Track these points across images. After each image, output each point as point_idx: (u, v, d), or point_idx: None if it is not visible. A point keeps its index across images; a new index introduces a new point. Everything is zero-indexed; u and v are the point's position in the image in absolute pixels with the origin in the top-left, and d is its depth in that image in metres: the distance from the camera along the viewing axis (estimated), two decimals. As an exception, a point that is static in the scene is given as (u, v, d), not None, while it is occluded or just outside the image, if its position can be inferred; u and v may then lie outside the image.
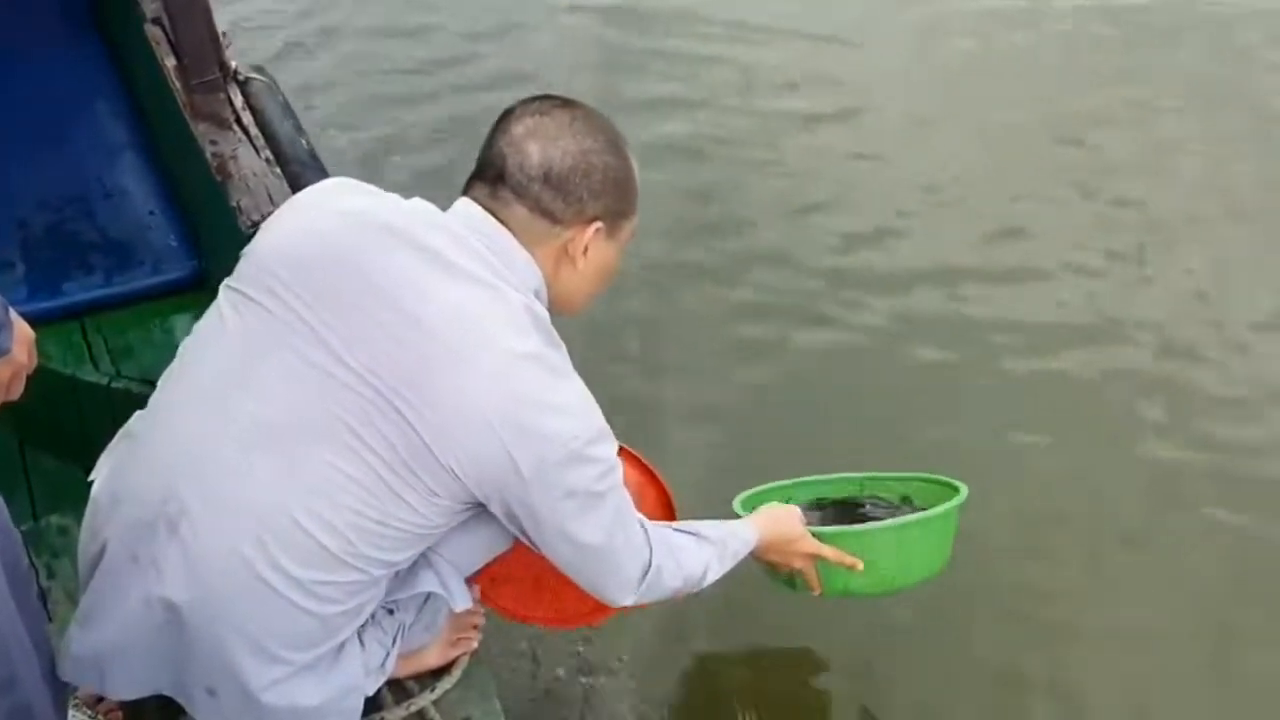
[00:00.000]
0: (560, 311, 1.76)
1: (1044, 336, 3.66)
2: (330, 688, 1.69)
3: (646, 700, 2.62)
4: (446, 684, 2.01)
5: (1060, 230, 4.10)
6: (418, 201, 1.71)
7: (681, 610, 2.74)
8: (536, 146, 1.68)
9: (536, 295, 1.69)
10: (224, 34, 2.97)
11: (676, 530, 1.96)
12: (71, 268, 2.86)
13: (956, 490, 2.37)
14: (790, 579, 2.32)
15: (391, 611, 1.80)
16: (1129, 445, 3.30)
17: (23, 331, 1.47)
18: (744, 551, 2.10)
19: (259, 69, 3.04)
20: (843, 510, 2.55)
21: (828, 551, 2.22)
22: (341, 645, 1.69)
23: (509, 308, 1.61)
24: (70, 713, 1.83)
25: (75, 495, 2.59)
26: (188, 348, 1.68)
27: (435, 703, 1.99)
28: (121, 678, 1.70)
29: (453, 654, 2.04)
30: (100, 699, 1.94)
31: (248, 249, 1.69)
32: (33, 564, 1.74)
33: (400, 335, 1.56)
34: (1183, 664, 2.77)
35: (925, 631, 2.77)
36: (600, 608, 2.09)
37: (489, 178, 1.70)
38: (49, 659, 1.68)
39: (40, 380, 2.62)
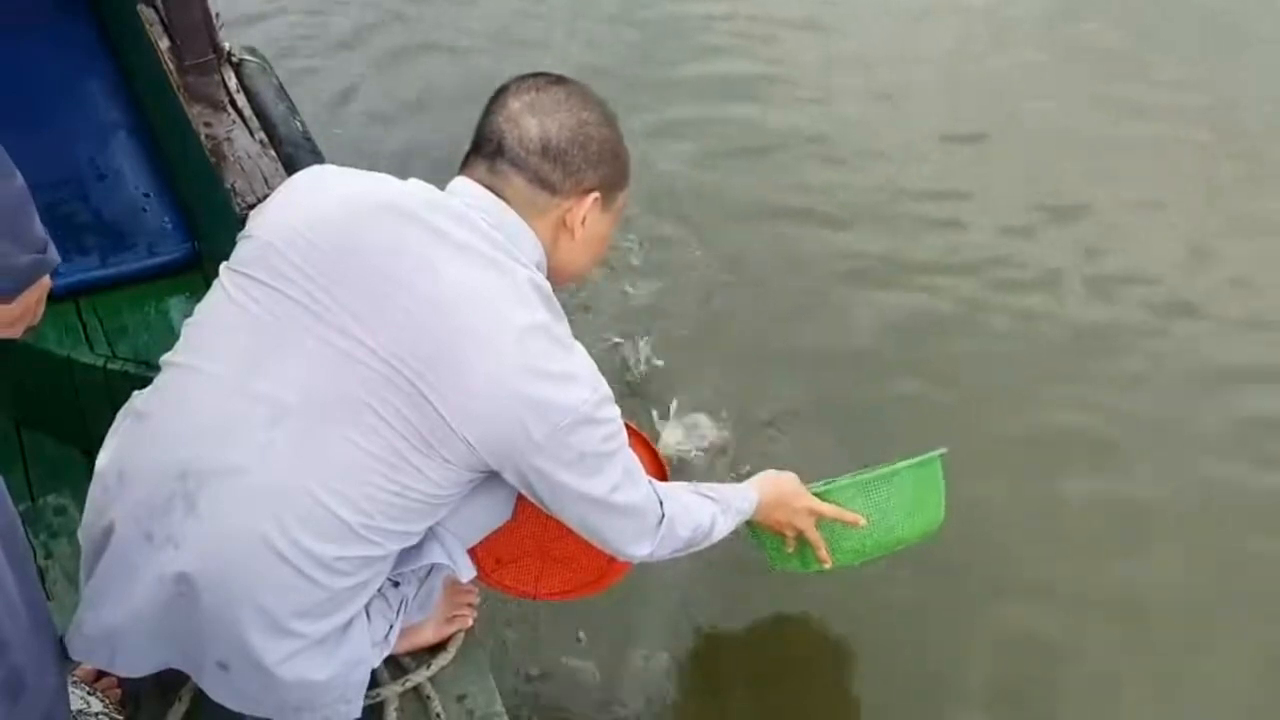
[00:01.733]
0: (558, 281, 1.80)
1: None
2: (339, 661, 1.72)
3: (645, 679, 2.64)
4: (442, 660, 2.03)
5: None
6: (416, 182, 1.74)
7: (683, 587, 2.77)
8: (534, 120, 1.72)
9: (538, 267, 1.74)
10: (217, 15, 2.96)
11: (680, 489, 2.00)
12: (67, 249, 2.82)
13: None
14: (799, 556, 2.35)
15: (396, 584, 1.83)
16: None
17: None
18: (747, 508, 2.15)
19: (252, 50, 3.04)
20: None
21: (827, 509, 2.25)
22: (351, 619, 1.72)
23: (515, 282, 1.65)
24: (70, 690, 1.85)
25: (72, 475, 2.63)
26: (195, 328, 1.69)
27: (431, 679, 2.01)
28: (132, 655, 1.72)
29: (448, 631, 2.07)
30: (100, 676, 1.96)
31: (249, 231, 1.71)
32: (30, 543, 1.75)
33: (414, 315, 1.59)
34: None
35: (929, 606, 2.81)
36: (605, 577, 2.15)
37: (487, 152, 1.74)
38: (51, 634, 1.69)
39: (36, 361, 2.66)
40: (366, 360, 1.59)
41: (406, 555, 1.78)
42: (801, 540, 2.30)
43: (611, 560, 2.12)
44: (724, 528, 2.06)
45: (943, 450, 2.39)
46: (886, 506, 2.30)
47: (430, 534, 1.81)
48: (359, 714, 1.83)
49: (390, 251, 1.62)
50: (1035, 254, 3.86)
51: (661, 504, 1.88)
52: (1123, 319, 3.65)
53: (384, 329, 1.59)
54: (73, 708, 1.82)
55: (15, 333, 1.46)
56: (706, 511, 2.00)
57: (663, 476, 2.23)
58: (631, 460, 1.80)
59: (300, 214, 1.68)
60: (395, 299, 1.60)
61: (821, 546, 2.29)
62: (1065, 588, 2.88)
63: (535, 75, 1.80)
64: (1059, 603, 2.85)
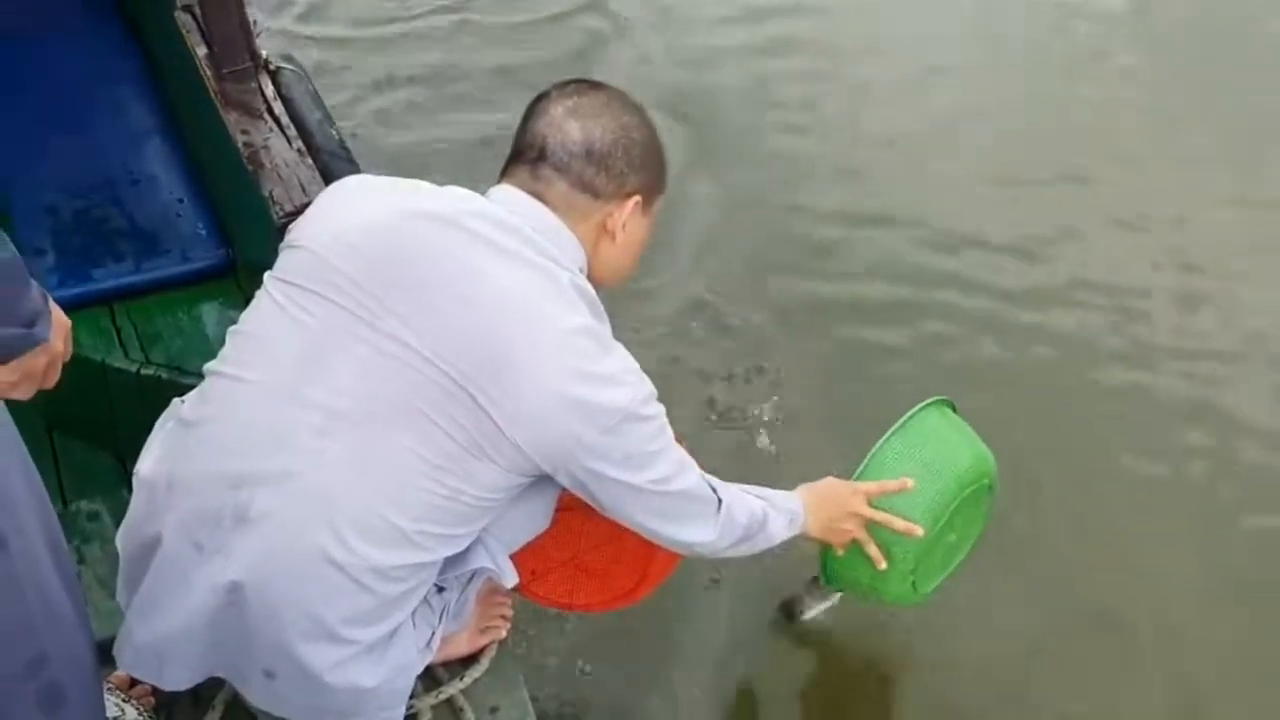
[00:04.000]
0: (598, 284, 1.80)
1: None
2: (386, 667, 1.73)
3: (673, 694, 2.64)
4: (475, 672, 2.03)
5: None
6: (456, 189, 1.76)
7: (710, 603, 2.76)
8: (577, 124, 1.75)
9: (581, 270, 1.75)
10: (254, 22, 2.97)
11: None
12: (101, 254, 2.87)
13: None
14: (871, 580, 2.24)
15: (441, 590, 1.84)
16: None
17: (59, 320, 1.47)
18: (794, 507, 2.07)
19: (289, 58, 3.05)
20: None
21: (871, 485, 2.16)
22: (399, 625, 1.72)
23: (558, 286, 1.66)
24: (105, 696, 1.85)
25: (104, 480, 2.64)
26: (242, 338, 1.70)
27: (464, 691, 2.01)
28: (179, 668, 1.72)
29: (482, 642, 2.08)
30: (135, 683, 1.96)
31: (293, 240, 1.72)
32: (66, 551, 1.76)
33: (462, 319, 1.61)
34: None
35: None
36: (642, 584, 2.14)
37: (529, 159, 1.76)
38: (90, 642, 1.69)
39: (70, 366, 2.64)
40: (418, 365, 1.60)
41: (452, 560, 1.78)
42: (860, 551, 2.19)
43: (644, 574, 2.12)
44: (778, 525, 2.01)
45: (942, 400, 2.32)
46: (922, 456, 2.20)
47: (475, 539, 1.81)
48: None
49: (436, 258, 1.64)
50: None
51: (715, 490, 1.88)
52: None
53: (434, 334, 1.60)
54: (108, 715, 1.83)
55: (22, 394, 1.44)
56: (757, 503, 1.98)
57: None
58: (681, 453, 1.81)
59: (346, 223, 1.69)
60: (443, 304, 1.61)
61: (871, 544, 2.17)
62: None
63: (576, 81, 1.83)
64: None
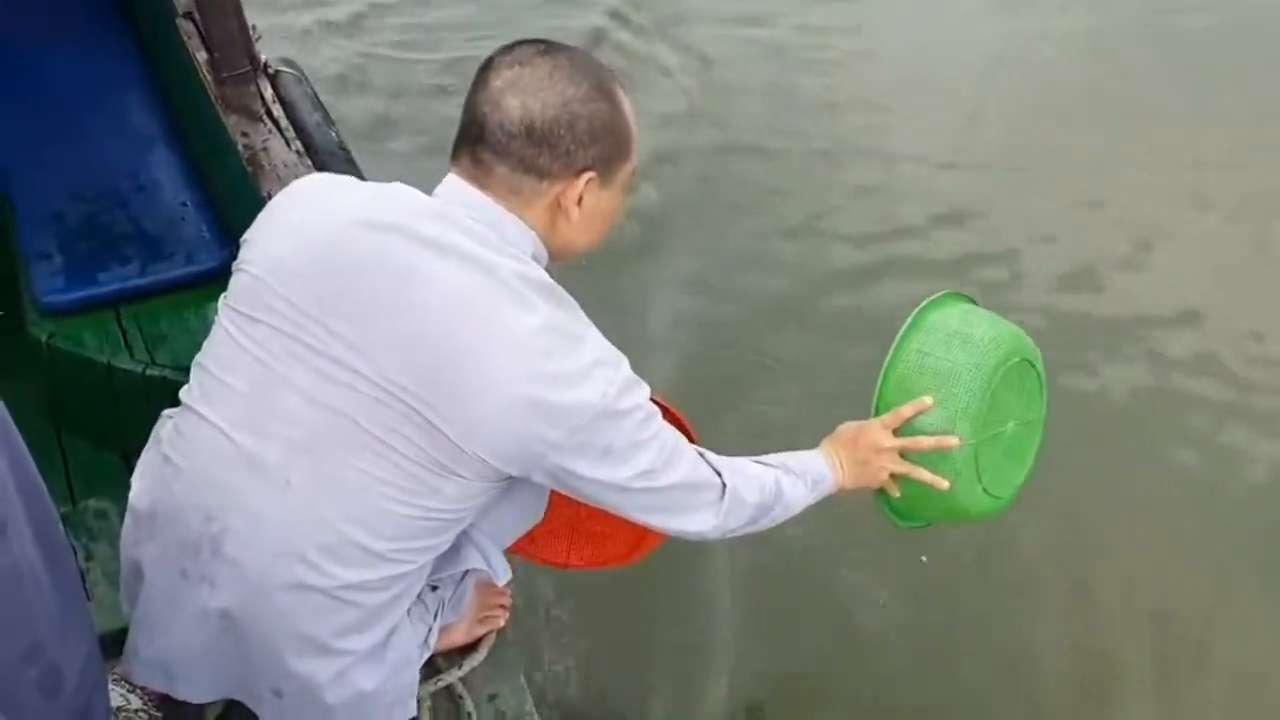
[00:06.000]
0: (563, 259, 1.74)
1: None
2: (388, 666, 1.74)
3: (668, 684, 2.66)
4: (474, 660, 2.06)
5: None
6: (399, 188, 1.69)
7: (710, 589, 2.77)
8: (516, 101, 1.61)
9: (534, 258, 1.66)
10: (253, 27, 3.01)
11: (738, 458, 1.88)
12: (106, 258, 2.90)
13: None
14: (942, 507, 2.04)
15: (434, 588, 1.85)
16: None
17: None
18: (816, 463, 1.96)
19: (288, 61, 3.08)
20: None
21: (887, 418, 1.98)
22: (394, 627, 1.73)
23: (507, 283, 1.57)
24: (110, 687, 1.88)
25: (111, 479, 2.67)
26: (202, 371, 1.69)
27: (463, 679, 2.04)
28: (190, 683, 1.77)
29: (480, 632, 2.10)
30: (139, 674, 1.99)
31: (239, 263, 1.68)
32: (71, 546, 1.79)
33: (407, 337, 1.55)
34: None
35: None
36: (638, 548, 2.11)
37: (471, 139, 1.65)
38: (90, 632, 1.72)
39: (77, 367, 2.71)
40: (364, 389, 1.56)
41: (443, 560, 1.79)
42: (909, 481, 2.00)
43: (641, 539, 2.09)
44: (797, 494, 1.90)
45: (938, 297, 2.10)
46: (934, 363, 2.00)
47: (465, 539, 1.81)
48: (414, 713, 1.85)
49: (375, 274, 1.57)
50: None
51: (719, 473, 1.78)
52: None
53: (379, 355, 1.56)
54: (112, 704, 1.86)
55: None
56: (770, 475, 1.86)
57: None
58: (672, 437, 1.71)
59: (283, 242, 1.63)
60: (386, 322, 1.56)
61: (918, 470, 1.97)
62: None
63: (520, 45, 1.67)
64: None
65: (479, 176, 1.64)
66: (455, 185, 1.66)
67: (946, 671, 2.78)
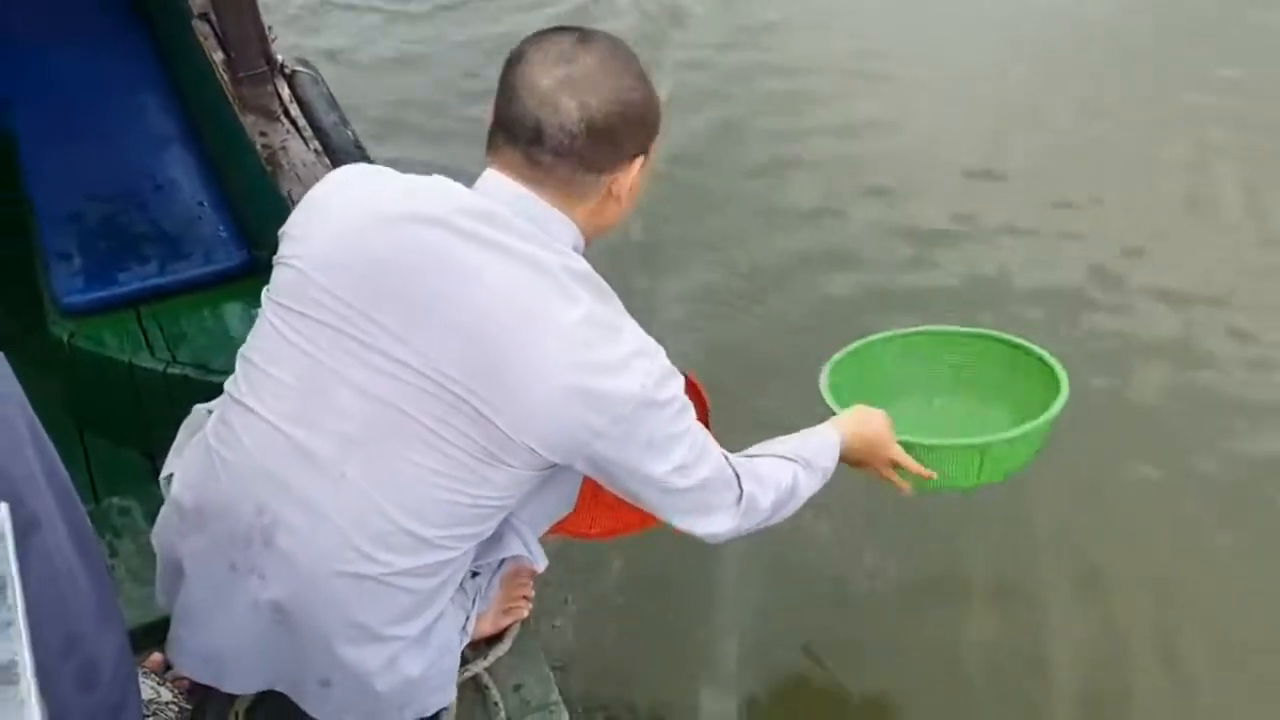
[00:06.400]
0: (600, 236, 1.75)
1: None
2: (432, 651, 1.77)
3: (695, 672, 2.69)
4: (499, 650, 2.07)
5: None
6: (440, 181, 1.68)
7: (733, 577, 2.81)
8: (574, 101, 1.59)
9: (575, 248, 1.67)
10: (269, 28, 3.04)
11: (753, 455, 1.93)
12: (126, 258, 2.93)
13: (1056, 382, 2.31)
14: (943, 484, 2.26)
15: (474, 575, 1.87)
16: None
17: None
18: (831, 452, 2.03)
19: (304, 61, 3.10)
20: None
21: (910, 464, 2.15)
22: (440, 615, 1.76)
23: (552, 275, 1.58)
24: (141, 680, 1.90)
25: (133, 477, 2.70)
26: (249, 365, 1.68)
27: (489, 669, 2.06)
28: (237, 676, 1.79)
29: (505, 622, 2.11)
30: (169, 666, 2.02)
31: (282, 257, 1.68)
32: (96, 542, 1.82)
33: (455, 329, 1.56)
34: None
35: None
36: (650, 517, 2.12)
37: (523, 141, 1.62)
38: (121, 626, 1.74)
39: (99, 366, 2.73)
40: (415, 381, 1.57)
41: (485, 547, 1.81)
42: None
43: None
44: (810, 486, 1.96)
45: (1059, 406, 2.25)
46: (974, 469, 2.22)
47: (506, 526, 1.82)
48: (454, 698, 1.88)
49: (421, 265, 1.58)
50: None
51: (738, 478, 1.81)
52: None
53: (427, 347, 1.57)
54: (144, 697, 1.88)
55: None
56: (787, 472, 1.91)
57: (705, 419, 2.21)
58: (702, 434, 1.74)
59: (325, 235, 1.63)
60: (434, 314, 1.57)
61: (904, 487, 2.19)
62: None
63: (554, 37, 1.64)
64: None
65: (534, 176, 1.63)
66: (501, 182, 1.65)
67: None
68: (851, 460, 2.12)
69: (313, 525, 1.62)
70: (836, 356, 2.47)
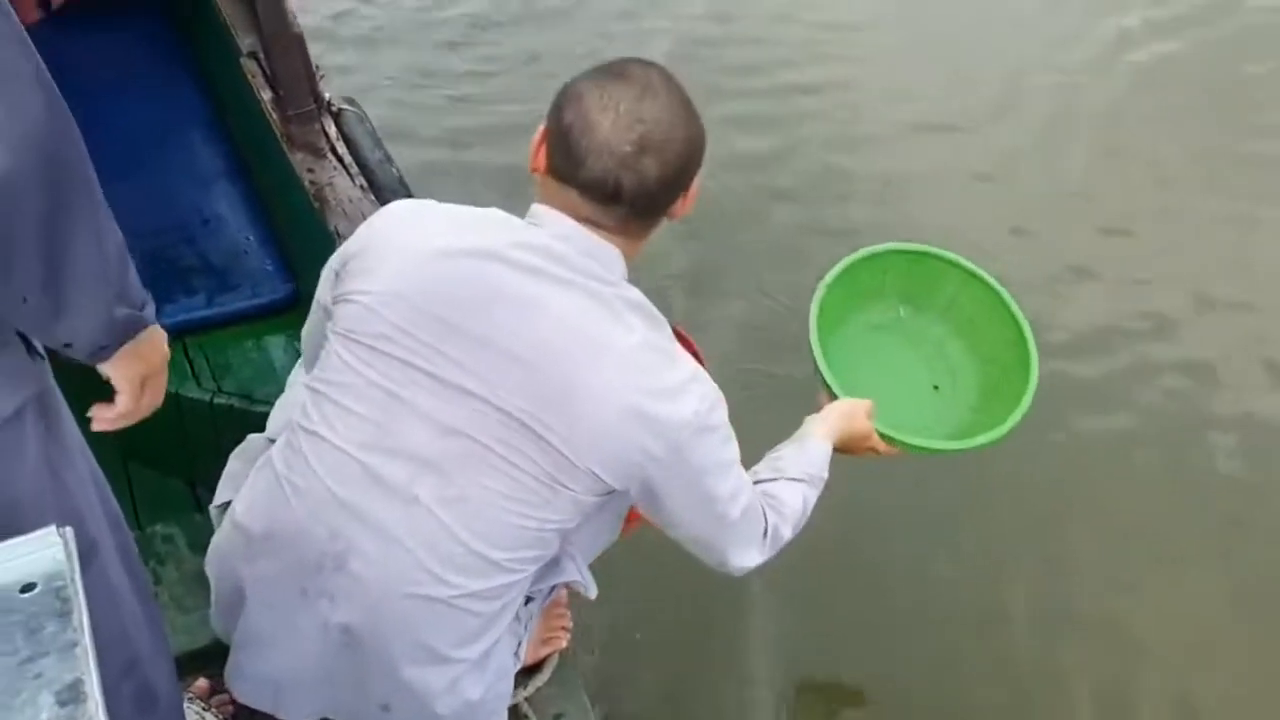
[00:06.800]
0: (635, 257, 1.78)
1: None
2: (491, 674, 1.81)
3: (726, 700, 2.69)
4: (539, 680, 2.10)
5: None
6: (494, 214, 1.73)
7: (764, 608, 2.82)
8: (654, 161, 1.62)
9: (623, 278, 1.71)
10: (317, 67, 3.09)
11: (768, 480, 1.97)
12: (173, 290, 2.97)
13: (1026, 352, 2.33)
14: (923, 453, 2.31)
15: (528, 601, 1.90)
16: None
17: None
18: (827, 461, 2.07)
19: (350, 100, 3.16)
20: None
21: (889, 452, 2.22)
22: (498, 639, 1.79)
23: (608, 306, 1.65)
24: (186, 705, 1.94)
25: (177, 505, 2.73)
26: (320, 397, 1.71)
27: (529, 699, 2.08)
28: (296, 702, 1.83)
29: (544, 652, 2.15)
30: (214, 692, 2.05)
31: (348, 293, 1.70)
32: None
33: (520, 360, 1.62)
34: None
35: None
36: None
37: (599, 196, 1.64)
38: (169, 651, 1.78)
39: (146, 397, 2.77)
40: (482, 409, 1.63)
41: (542, 572, 1.84)
42: None
43: None
44: (813, 501, 2.01)
45: (1028, 401, 2.27)
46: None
47: (562, 552, 1.86)
48: None
49: (480, 298, 1.63)
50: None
51: (764, 511, 1.87)
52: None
53: (494, 378, 1.63)
54: (189, 721, 1.92)
55: (139, 406, 1.58)
56: (799, 497, 1.97)
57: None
58: (741, 469, 1.80)
59: (388, 270, 1.67)
60: (496, 345, 1.62)
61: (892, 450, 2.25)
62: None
63: (613, 90, 1.64)
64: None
65: (604, 221, 1.67)
66: (559, 220, 1.67)
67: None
68: (841, 442, 2.14)
69: (385, 549, 1.66)
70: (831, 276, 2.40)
